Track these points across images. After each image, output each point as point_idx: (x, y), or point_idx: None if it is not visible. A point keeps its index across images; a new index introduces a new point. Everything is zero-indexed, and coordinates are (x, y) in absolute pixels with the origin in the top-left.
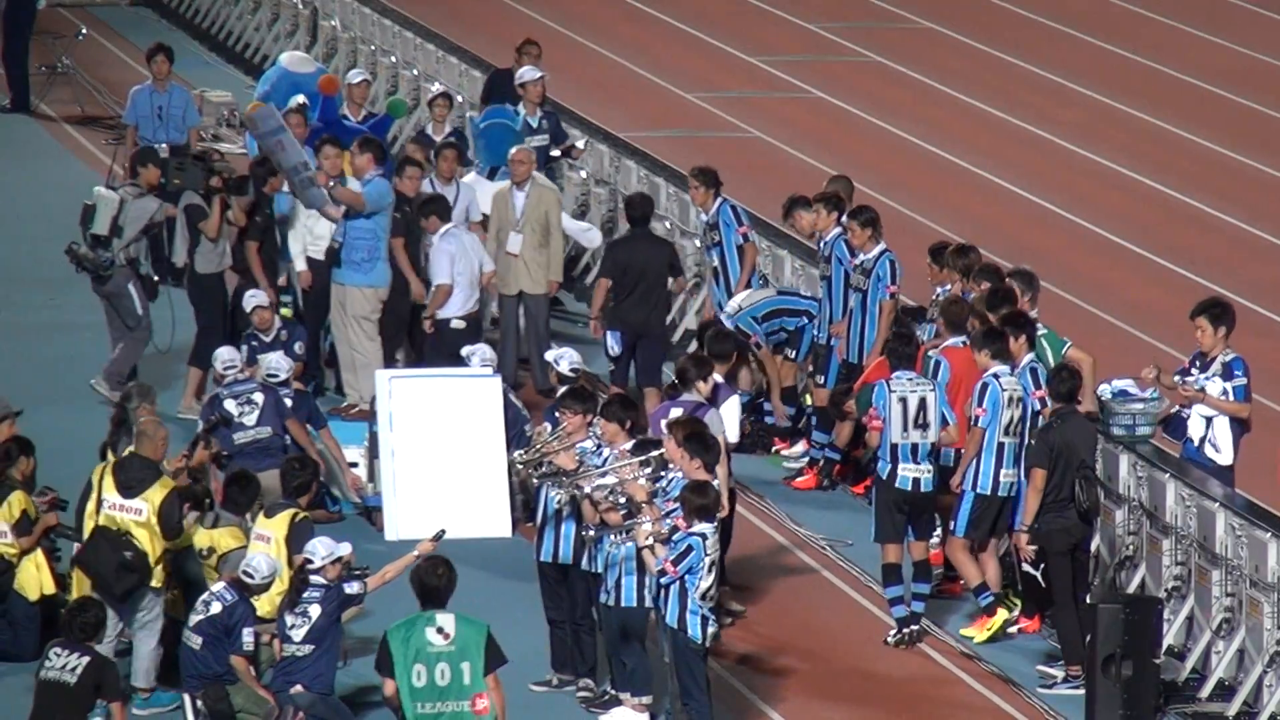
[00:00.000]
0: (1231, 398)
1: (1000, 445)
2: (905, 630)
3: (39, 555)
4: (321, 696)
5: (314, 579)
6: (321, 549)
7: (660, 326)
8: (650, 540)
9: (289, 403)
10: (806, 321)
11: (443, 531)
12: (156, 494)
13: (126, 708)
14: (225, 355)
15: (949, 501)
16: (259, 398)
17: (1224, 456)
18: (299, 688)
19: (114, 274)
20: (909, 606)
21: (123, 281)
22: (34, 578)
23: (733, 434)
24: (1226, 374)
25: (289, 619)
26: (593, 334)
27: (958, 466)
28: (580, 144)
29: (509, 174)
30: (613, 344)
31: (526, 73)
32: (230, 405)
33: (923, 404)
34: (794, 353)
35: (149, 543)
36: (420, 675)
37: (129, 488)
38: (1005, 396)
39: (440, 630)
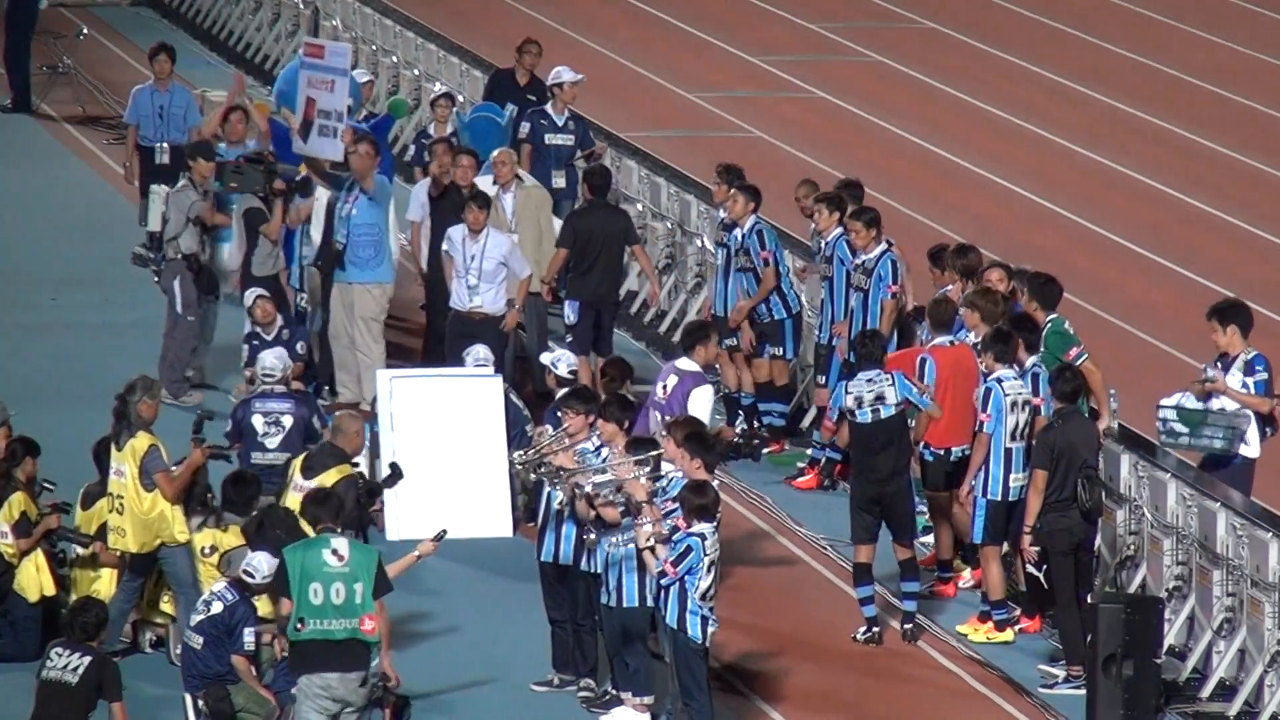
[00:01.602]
0: (1251, 392)
1: (1008, 450)
2: (874, 630)
3: (39, 556)
4: None
5: None
6: None
7: (616, 296)
8: (651, 542)
9: (318, 425)
10: (786, 317)
11: (444, 532)
12: (330, 478)
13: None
14: (268, 362)
15: (938, 500)
16: (288, 421)
17: (1252, 450)
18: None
19: (164, 270)
20: (880, 608)
21: (169, 278)
22: (34, 579)
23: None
24: (1248, 370)
25: None
26: (544, 297)
27: (961, 471)
28: (601, 149)
29: (492, 173)
30: (570, 313)
31: (564, 73)
32: (257, 421)
33: (879, 398)
34: (780, 349)
35: None
36: (316, 593)
37: (309, 468)
38: (1009, 401)
39: (335, 552)
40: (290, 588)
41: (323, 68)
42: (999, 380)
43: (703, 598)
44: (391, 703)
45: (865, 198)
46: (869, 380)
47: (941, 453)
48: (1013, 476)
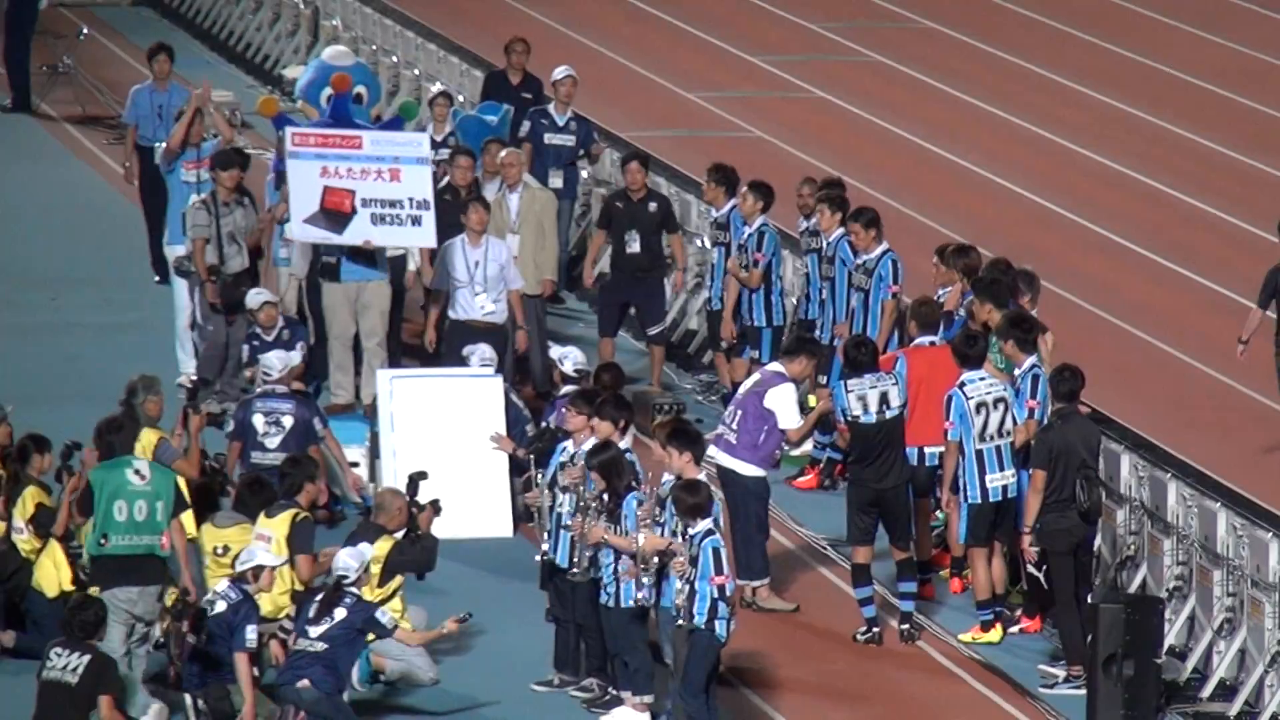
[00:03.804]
0: None
1: (979, 453)
2: (874, 630)
3: (57, 552)
4: (326, 696)
5: (349, 589)
6: (353, 562)
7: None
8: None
9: (318, 427)
10: (766, 326)
11: (469, 615)
12: (382, 547)
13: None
14: (269, 363)
15: (923, 504)
16: (289, 421)
17: None
18: (306, 682)
19: (189, 279)
20: (880, 608)
21: (192, 288)
22: (52, 575)
23: (790, 421)
24: None
25: (311, 613)
26: (585, 283)
27: (934, 470)
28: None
29: (485, 171)
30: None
31: (558, 71)
32: (258, 421)
33: (884, 398)
34: (757, 353)
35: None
36: (121, 510)
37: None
38: (972, 404)
39: (138, 472)
40: (95, 506)
41: (363, 158)
42: (961, 385)
43: (724, 597)
44: (190, 615)
45: (858, 197)
46: (873, 381)
47: (916, 451)
48: (989, 477)
